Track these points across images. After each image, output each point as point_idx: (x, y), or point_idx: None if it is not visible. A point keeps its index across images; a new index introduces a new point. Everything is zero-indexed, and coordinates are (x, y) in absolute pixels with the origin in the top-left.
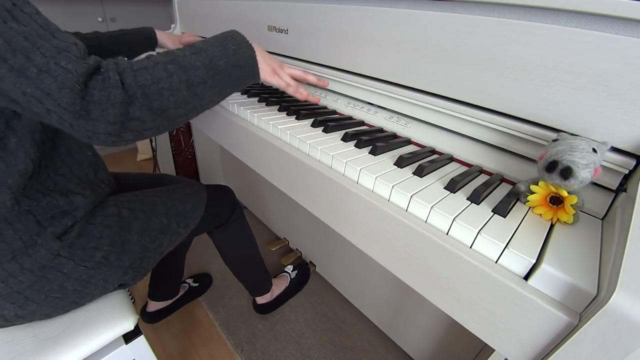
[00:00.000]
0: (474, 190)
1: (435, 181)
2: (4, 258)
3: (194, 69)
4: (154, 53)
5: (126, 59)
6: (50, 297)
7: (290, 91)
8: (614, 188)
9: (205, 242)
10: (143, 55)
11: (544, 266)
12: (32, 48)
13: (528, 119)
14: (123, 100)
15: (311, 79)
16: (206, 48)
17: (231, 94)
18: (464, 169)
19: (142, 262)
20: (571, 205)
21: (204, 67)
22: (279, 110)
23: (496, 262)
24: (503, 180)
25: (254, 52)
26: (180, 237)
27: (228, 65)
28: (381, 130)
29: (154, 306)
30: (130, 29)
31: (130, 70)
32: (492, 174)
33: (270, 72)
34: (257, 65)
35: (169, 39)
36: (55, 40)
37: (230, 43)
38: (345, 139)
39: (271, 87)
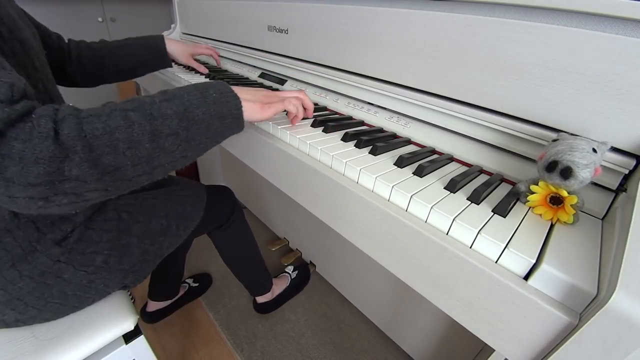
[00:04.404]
0: (474, 190)
1: (435, 181)
2: (3, 265)
3: (162, 117)
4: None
5: (71, 104)
6: (51, 303)
7: (291, 109)
8: (614, 188)
9: (205, 242)
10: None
11: (544, 266)
12: None
13: (528, 119)
14: (53, 156)
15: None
16: (181, 95)
17: (207, 149)
18: (464, 169)
19: (142, 265)
20: (571, 205)
21: (176, 117)
22: None
23: (496, 262)
24: (503, 180)
25: (240, 101)
26: (180, 239)
27: (207, 115)
28: (381, 130)
29: (153, 306)
30: (138, 38)
31: (74, 117)
32: (492, 174)
33: (259, 109)
34: (241, 116)
35: (179, 48)
36: None
37: (211, 91)
38: (345, 139)
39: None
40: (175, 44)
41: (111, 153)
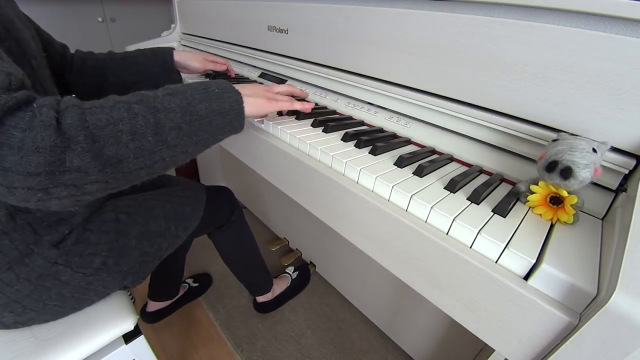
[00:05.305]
0: (474, 190)
1: (435, 181)
2: (0, 268)
3: (166, 111)
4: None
5: (73, 96)
6: (49, 305)
7: (297, 107)
8: (614, 188)
9: (205, 242)
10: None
11: (544, 266)
12: None
13: (528, 119)
14: (54, 145)
15: (298, 105)
16: (184, 90)
17: (208, 146)
18: (464, 169)
19: (141, 266)
20: (571, 205)
21: (180, 110)
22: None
23: (496, 262)
24: (503, 180)
25: (241, 97)
26: (179, 240)
27: (209, 111)
28: (381, 130)
29: (153, 306)
30: (146, 49)
31: (77, 108)
32: (492, 174)
33: (266, 103)
34: (242, 112)
35: (191, 55)
36: None
37: (213, 87)
38: (345, 139)
39: None
40: (186, 53)
41: (114, 144)
